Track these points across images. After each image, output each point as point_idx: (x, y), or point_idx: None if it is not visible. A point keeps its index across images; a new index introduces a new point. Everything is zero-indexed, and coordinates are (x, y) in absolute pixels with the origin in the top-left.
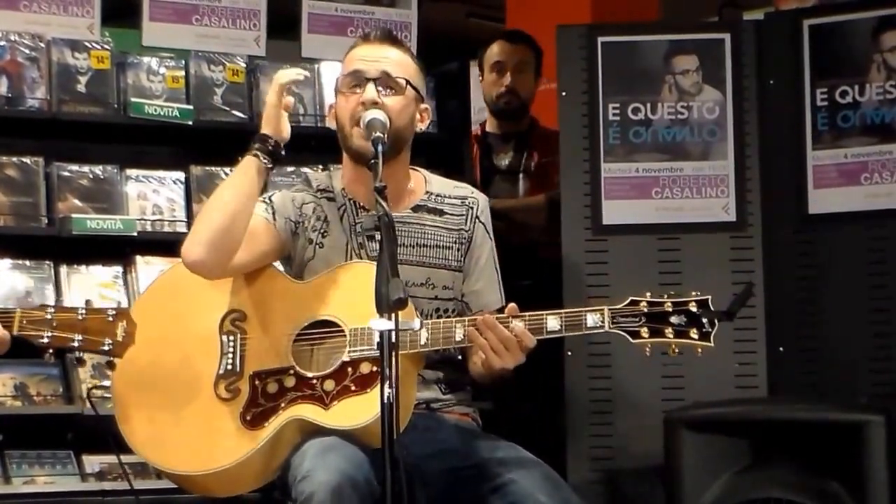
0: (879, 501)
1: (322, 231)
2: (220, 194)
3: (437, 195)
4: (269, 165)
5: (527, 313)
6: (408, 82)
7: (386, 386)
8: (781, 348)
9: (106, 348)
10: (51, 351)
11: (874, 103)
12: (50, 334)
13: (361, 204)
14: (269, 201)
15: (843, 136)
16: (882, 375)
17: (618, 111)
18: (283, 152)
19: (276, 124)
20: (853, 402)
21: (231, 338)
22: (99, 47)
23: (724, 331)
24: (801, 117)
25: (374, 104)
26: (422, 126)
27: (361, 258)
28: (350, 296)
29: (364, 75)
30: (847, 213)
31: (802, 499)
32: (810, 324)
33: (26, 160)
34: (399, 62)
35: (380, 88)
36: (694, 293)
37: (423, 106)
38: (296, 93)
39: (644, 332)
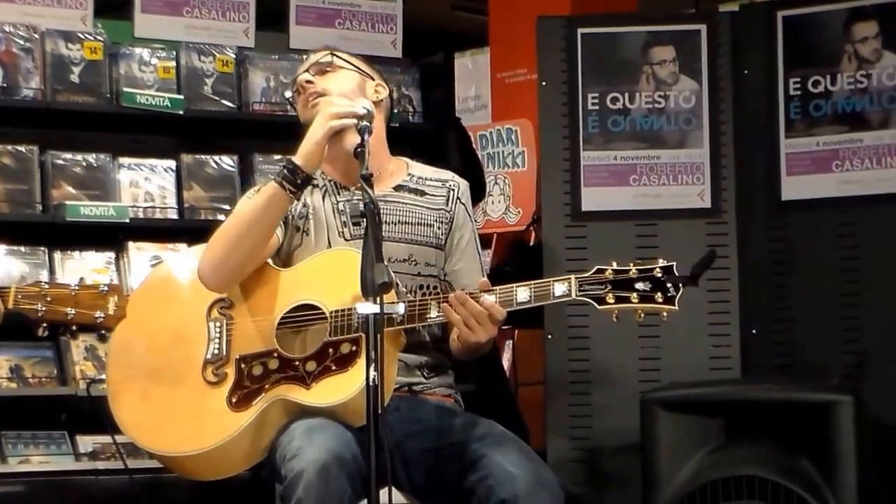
0: (847, 478)
1: (307, 218)
2: (241, 225)
3: (419, 177)
4: (295, 199)
5: (497, 287)
6: (332, 53)
7: (371, 368)
8: (754, 330)
9: (98, 320)
10: (44, 325)
11: (845, 92)
12: (44, 308)
13: (342, 184)
14: None
15: (815, 125)
16: (852, 357)
17: (596, 101)
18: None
19: (312, 161)
20: (823, 382)
21: (218, 324)
22: (92, 38)
23: (699, 313)
24: (774, 106)
25: (316, 93)
26: (378, 97)
27: (346, 238)
28: (330, 280)
29: (297, 79)
30: (819, 199)
31: (774, 476)
32: (783, 307)
33: (21, 148)
34: (324, 54)
35: (314, 77)
36: (659, 260)
37: (375, 82)
38: (283, 83)
39: (610, 298)
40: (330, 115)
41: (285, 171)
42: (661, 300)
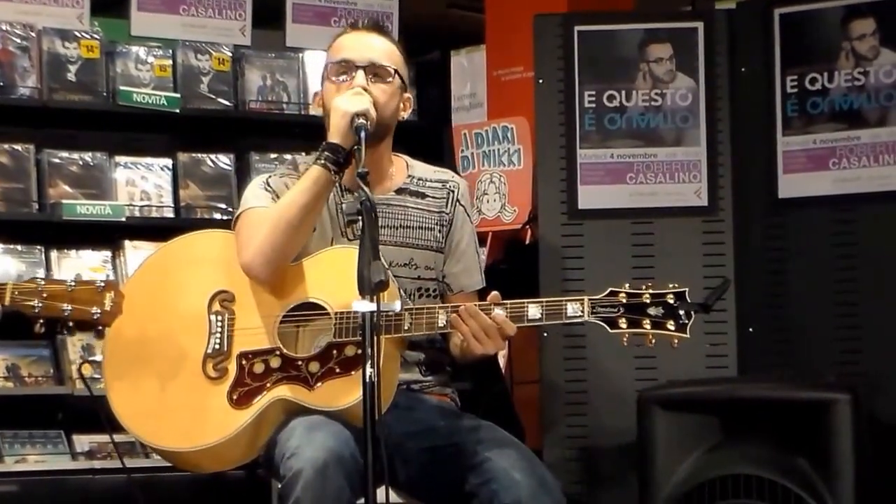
0: (845, 477)
1: None
2: (291, 212)
3: (420, 179)
4: (338, 179)
5: (508, 301)
6: (395, 71)
7: (368, 365)
8: (751, 329)
9: (95, 317)
10: (41, 321)
11: (842, 90)
12: (40, 304)
13: (346, 186)
14: (269, 188)
15: (812, 123)
16: (849, 355)
17: (593, 98)
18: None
19: (347, 135)
20: (821, 381)
21: (219, 317)
22: (88, 37)
23: None
24: (771, 104)
25: (362, 87)
26: (404, 115)
27: (349, 238)
28: (335, 279)
29: (353, 63)
30: (816, 197)
31: (770, 475)
32: (780, 305)
33: (18, 147)
34: (387, 51)
35: (368, 76)
36: (672, 285)
37: (406, 95)
38: (280, 81)
39: (622, 322)
40: (357, 107)
41: (326, 152)
42: (672, 328)
